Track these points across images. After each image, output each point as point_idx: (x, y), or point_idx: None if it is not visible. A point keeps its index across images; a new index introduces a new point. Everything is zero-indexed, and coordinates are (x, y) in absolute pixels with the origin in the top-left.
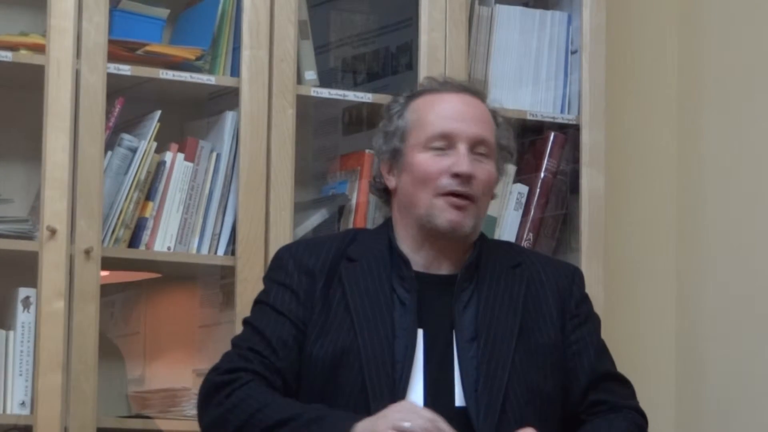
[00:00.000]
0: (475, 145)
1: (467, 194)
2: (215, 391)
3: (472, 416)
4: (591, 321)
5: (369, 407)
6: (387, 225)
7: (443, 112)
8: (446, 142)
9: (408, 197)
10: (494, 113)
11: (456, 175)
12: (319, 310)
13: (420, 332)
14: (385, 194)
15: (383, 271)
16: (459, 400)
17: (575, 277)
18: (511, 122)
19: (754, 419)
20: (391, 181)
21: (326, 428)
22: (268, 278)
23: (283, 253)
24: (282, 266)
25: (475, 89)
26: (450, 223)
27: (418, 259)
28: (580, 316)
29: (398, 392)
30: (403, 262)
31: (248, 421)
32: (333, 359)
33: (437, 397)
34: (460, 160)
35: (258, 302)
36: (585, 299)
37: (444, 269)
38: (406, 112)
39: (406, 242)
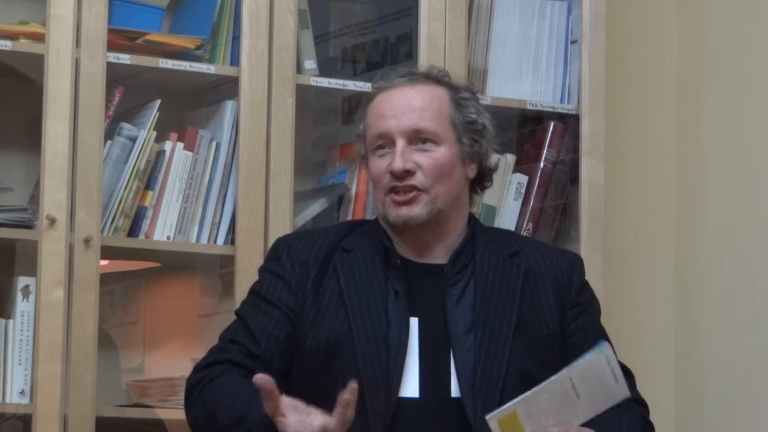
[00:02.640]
0: (413, 136)
1: (409, 187)
2: (191, 390)
3: (467, 408)
4: (592, 309)
5: (363, 397)
6: None
7: (379, 111)
8: (385, 141)
9: (373, 198)
10: (455, 91)
11: (391, 172)
12: (311, 300)
13: (414, 321)
14: None
15: (378, 261)
16: (455, 391)
17: (575, 264)
18: (472, 90)
19: (753, 408)
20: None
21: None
22: (262, 268)
23: (279, 243)
24: (276, 256)
25: (420, 74)
26: (398, 218)
27: (407, 251)
28: (580, 305)
29: (392, 381)
30: (390, 253)
31: (212, 420)
32: (327, 348)
33: (432, 387)
34: (395, 157)
35: (250, 292)
36: (585, 287)
37: (437, 258)
38: (365, 117)
39: (391, 235)
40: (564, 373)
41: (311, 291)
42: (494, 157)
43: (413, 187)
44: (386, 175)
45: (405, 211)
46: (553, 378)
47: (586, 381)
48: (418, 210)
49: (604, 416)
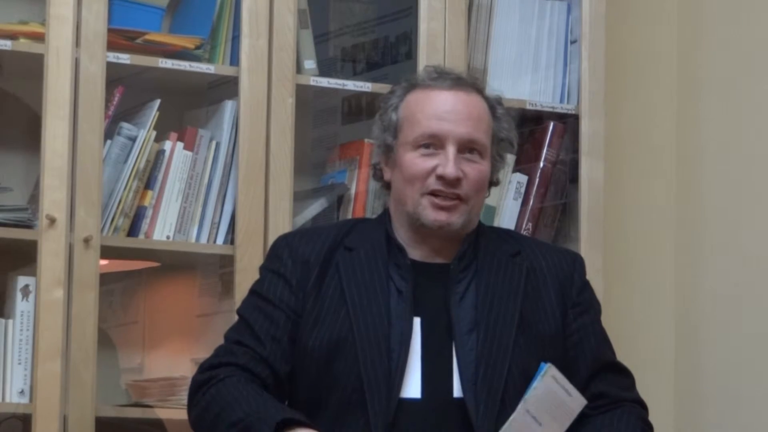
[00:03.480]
0: (465, 146)
1: (454, 195)
2: (196, 390)
3: (469, 408)
4: (593, 309)
5: (365, 396)
6: (385, 214)
7: (432, 110)
8: (434, 141)
9: (399, 193)
10: (493, 105)
11: (441, 177)
12: (313, 300)
13: (417, 321)
14: (385, 182)
15: (380, 260)
16: (457, 391)
17: (576, 264)
18: (511, 113)
19: (753, 406)
20: (386, 173)
21: None
22: (263, 267)
23: (280, 241)
24: (277, 255)
25: (470, 82)
26: (435, 222)
27: (415, 250)
28: (582, 304)
29: (394, 381)
30: (399, 251)
31: (215, 421)
32: (328, 349)
33: (434, 387)
34: (447, 162)
35: (251, 292)
36: (586, 286)
37: (442, 258)
38: (400, 107)
39: (401, 233)
40: (520, 408)
41: (313, 290)
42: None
43: (457, 196)
44: (430, 176)
45: (444, 217)
46: (511, 417)
47: (542, 407)
48: (456, 218)
49: (603, 418)
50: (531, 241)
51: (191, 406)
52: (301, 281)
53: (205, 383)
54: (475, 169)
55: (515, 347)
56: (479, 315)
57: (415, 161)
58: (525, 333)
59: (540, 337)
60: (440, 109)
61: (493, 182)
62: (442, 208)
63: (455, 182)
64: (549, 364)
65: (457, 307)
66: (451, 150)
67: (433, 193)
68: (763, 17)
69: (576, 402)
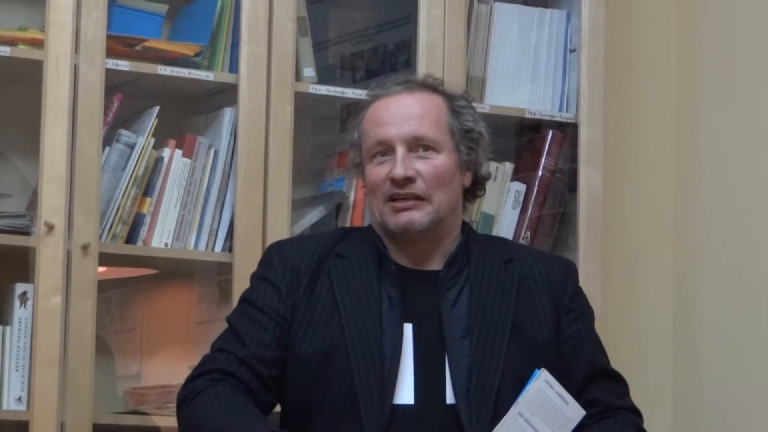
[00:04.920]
0: (413, 144)
1: (410, 195)
2: (179, 406)
3: (462, 415)
4: (586, 316)
5: (358, 403)
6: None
7: (378, 119)
8: (384, 148)
9: (370, 206)
10: (450, 99)
11: (392, 179)
12: (304, 307)
13: (409, 327)
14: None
15: (372, 267)
16: (450, 397)
17: (569, 270)
18: (468, 99)
19: (750, 416)
20: (364, 189)
21: None
22: (253, 274)
23: (271, 249)
24: (267, 262)
25: (419, 82)
26: (398, 227)
27: (401, 257)
28: (575, 311)
29: (387, 388)
30: (385, 259)
31: None
32: (320, 356)
33: (427, 394)
34: (395, 164)
35: (241, 299)
36: (579, 293)
37: (432, 264)
38: (361, 125)
39: (386, 242)
40: (512, 410)
41: (304, 297)
42: (487, 166)
43: (414, 195)
44: (386, 182)
45: (405, 218)
46: (503, 419)
47: (536, 412)
48: (418, 217)
49: (597, 427)
50: (523, 248)
51: (177, 422)
52: (291, 288)
53: (185, 399)
54: (429, 164)
55: (508, 354)
56: (471, 321)
57: (373, 171)
58: (518, 339)
59: (533, 344)
60: (385, 115)
61: (483, 176)
62: (400, 210)
63: (406, 182)
64: (543, 369)
65: (449, 313)
66: (399, 151)
67: (392, 198)
68: (763, 26)
69: (573, 411)
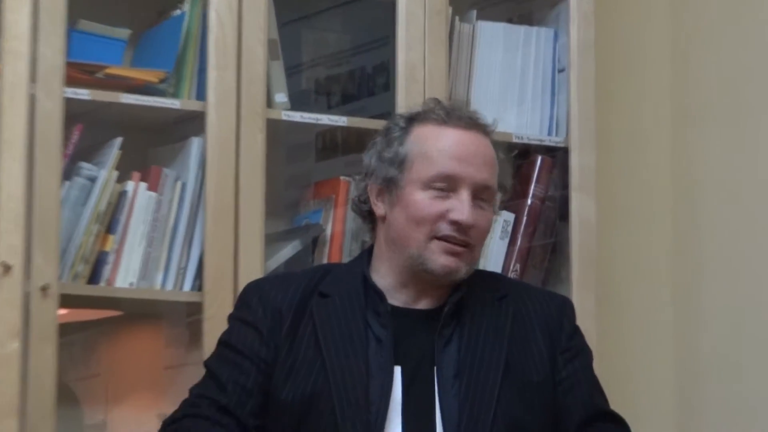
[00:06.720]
0: (479, 192)
1: (464, 241)
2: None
3: None
4: (583, 355)
5: None
6: (362, 257)
7: (449, 150)
8: (449, 183)
9: (399, 233)
10: (496, 149)
11: (455, 222)
12: (286, 351)
13: (398, 370)
14: (369, 218)
15: (357, 307)
16: None
17: (565, 308)
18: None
19: None
20: (380, 208)
21: None
22: (231, 316)
23: (249, 288)
24: (246, 302)
25: (482, 124)
26: (444, 269)
27: (398, 295)
28: (571, 350)
29: None
30: (378, 296)
31: None
32: (302, 403)
33: None
34: (462, 207)
35: (219, 343)
36: (576, 332)
37: (423, 304)
38: (408, 140)
39: (388, 276)
40: None
41: (286, 340)
42: None
43: (466, 243)
44: (442, 220)
45: (454, 263)
46: None
47: None
48: (463, 266)
49: None
50: (518, 284)
51: None
52: (273, 330)
53: (168, 424)
54: (484, 217)
55: (501, 394)
56: (462, 360)
57: (427, 202)
58: (511, 379)
59: (527, 384)
60: (458, 150)
61: None
62: (453, 254)
63: (468, 229)
64: None
65: (441, 352)
66: (465, 194)
67: (444, 239)
68: (759, 45)
69: None
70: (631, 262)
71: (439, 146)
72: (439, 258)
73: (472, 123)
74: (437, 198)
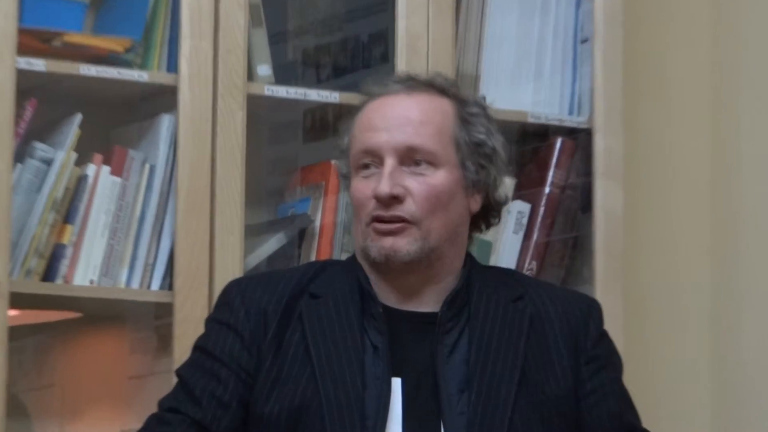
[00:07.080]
0: (406, 156)
1: (396, 217)
2: None
3: None
4: (612, 365)
5: None
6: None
7: (368, 122)
8: (373, 159)
9: (353, 229)
10: (462, 104)
11: (376, 197)
12: (271, 358)
13: (398, 382)
14: None
15: (352, 310)
16: None
17: (591, 310)
18: (483, 105)
19: None
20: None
21: None
22: (209, 318)
23: (231, 288)
24: (227, 303)
25: (424, 81)
26: (380, 252)
27: (390, 296)
28: (598, 359)
29: None
30: (371, 299)
31: None
32: (288, 417)
33: None
34: (380, 179)
35: (194, 348)
36: (604, 338)
37: (425, 305)
38: (353, 127)
39: (370, 274)
40: None
41: (271, 346)
42: (504, 188)
43: (400, 218)
44: (370, 201)
45: (389, 243)
46: None
47: None
48: (404, 244)
49: None
50: (536, 282)
51: None
52: (256, 335)
53: None
54: (423, 182)
55: (514, 412)
56: (471, 372)
57: (357, 186)
58: (527, 394)
59: (545, 399)
60: (374, 118)
61: (497, 200)
62: (384, 233)
63: (391, 201)
64: None
65: (445, 363)
66: (388, 164)
67: (375, 219)
68: None
69: None
70: (663, 258)
71: (361, 123)
72: (373, 242)
73: (407, 86)
74: (366, 178)
